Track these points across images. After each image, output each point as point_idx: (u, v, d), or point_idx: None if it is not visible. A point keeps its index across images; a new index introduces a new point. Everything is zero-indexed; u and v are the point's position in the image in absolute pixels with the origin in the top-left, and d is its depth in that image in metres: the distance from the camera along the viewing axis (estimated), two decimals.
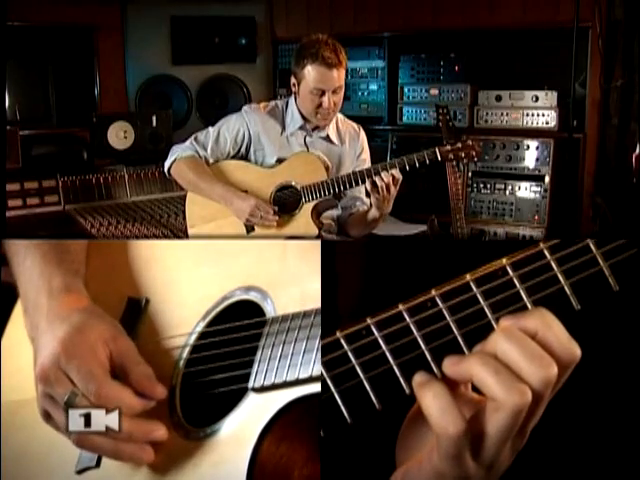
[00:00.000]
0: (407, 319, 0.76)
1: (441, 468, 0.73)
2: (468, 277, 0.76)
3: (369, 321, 0.76)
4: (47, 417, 1.15)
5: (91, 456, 1.17)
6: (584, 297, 0.75)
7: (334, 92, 2.40)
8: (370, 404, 0.75)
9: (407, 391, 0.75)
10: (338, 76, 2.39)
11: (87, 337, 1.12)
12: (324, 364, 0.75)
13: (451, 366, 0.74)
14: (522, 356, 0.71)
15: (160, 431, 1.10)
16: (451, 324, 0.76)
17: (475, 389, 0.76)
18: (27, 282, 1.23)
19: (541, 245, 0.76)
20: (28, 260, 1.24)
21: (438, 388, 0.72)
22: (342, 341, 0.76)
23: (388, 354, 0.75)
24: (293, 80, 2.46)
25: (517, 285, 0.76)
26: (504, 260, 0.76)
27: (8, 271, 1.28)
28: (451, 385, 0.74)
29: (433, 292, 0.76)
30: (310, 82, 2.38)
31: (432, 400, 0.72)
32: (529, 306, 0.75)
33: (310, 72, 2.38)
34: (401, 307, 0.76)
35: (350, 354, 0.75)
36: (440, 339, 0.75)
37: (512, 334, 0.73)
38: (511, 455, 0.76)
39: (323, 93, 2.38)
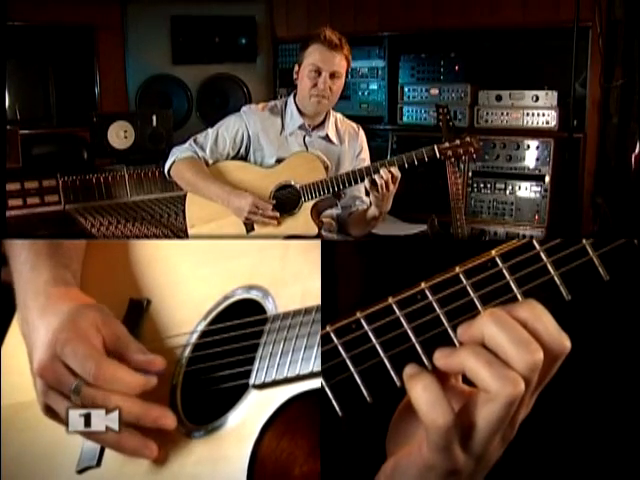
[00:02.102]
0: (397, 312, 0.76)
1: (430, 460, 0.73)
2: (457, 269, 0.76)
3: (359, 315, 0.76)
4: (50, 412, 1.14)
5: (92, 455, 1.17)
6: (574, 287, 0.75)
7: (332, 76, 2.40)
8: (361, 397, 0.75)
9: (398, 384, 0.75)
10: (338, 61, 2.40)
11: (79, 325, 1.12)
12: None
13: (442, 358, 0.74)
14: (508, 340, 0.71)
15: (168, 418, 1.09)
16: (441, 316, 0.76)
17: (465, 381, 0.76)
18: (19, 278, 1.23)
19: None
20: (22, 255, 1.24)
21: (427, 380, 0.73)
22: (332, 335, 0.76)
23: (378, 347, 0.76)
24: (296, 68, 2.47)
25: (507, 276, 0.76)
26: (493, 252, 0.76)
27: (8, 271, 1.28)
28: (441, 377, 0.74)
29: (422, 285, 0.76)
30: (310, 60, 2.40)
31: (421, 392, 0.72)
32: (519, 297, 0.75)
33: (311, 51, 2.41)
34: (391, 300, 0.76)
35: (340, 348, 0.76)
36: (430, 331, 0.76)
37: (500, 318, 0.73)
38: (501, 447, 0.76)
39: (320, 73, 2.39)
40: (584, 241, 0.75)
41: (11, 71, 3.71)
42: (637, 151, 3.15)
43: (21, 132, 3.45)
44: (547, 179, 3.35)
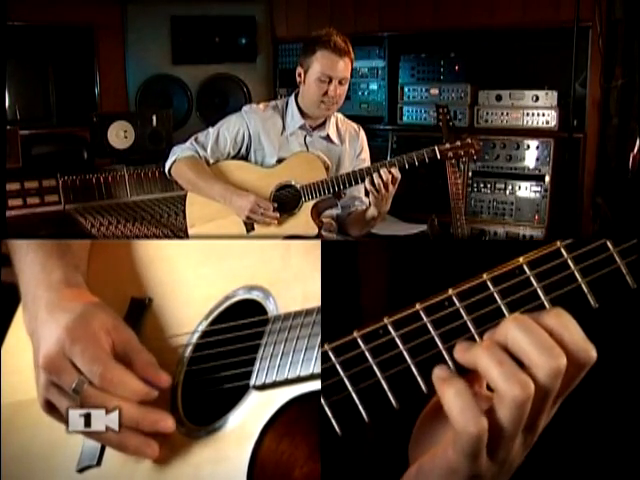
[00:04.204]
0: (424, 318, 0.76)
1: (456, 464, 0.73)
2: (485, 276, 0.76)
3: (386, 321, 0.76)
4: (49, 408, 1.14)
5: (92, 455, 1.18)
6: (601, 295, 0.75)
7: (340, 82, 2.41)
8: (388, 403, 0.75)
9: (425, 390, 0.75)
10: (346, 66, 2.41)
11: (90, 325, 1.13)
12: (341, 364, 0.75)
13: (460, 352, 0.75)
14: (532, 345, 0.71)
15: (167, 422, 1.10)
16: (468, 323, 0.76)
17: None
18: (28, 276, 1.23)
19: (558, 244, 0.76)
20: (30, 255, 1.24)
21: (460, 385, 0.72)
22: (359, 341, 0.76)
23: (405, 353, 0.75)
24: (299, 70, 2.46)
25: (534, 284, 0.76)
26: (521, 259, 0.76)
27: (8, 271, 1.28)
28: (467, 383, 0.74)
29: (450, 291, 0.76)
30: (319, 68, 2.39)
31: (454, 398, 0.72)
32: (546, 304, 0.75)
33: (319, 58, 2.39)
34: (418, 306, 0.76)
35: (367, 354, 0.75)
36: (457, 338, 0.75)
37: (523, 323, 0.72)
38: (523, 451, 0.76)
39: (330, 81, 2.39)
40: (612, 249, 0.75)
41: (11, 71, 3.71)
42: (637, 151, 3.15)
43: (21, 132, 3.45)
44: (547, 179, 3.35)
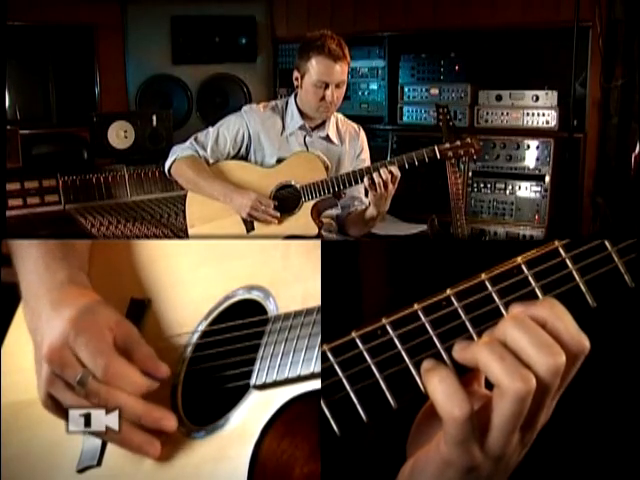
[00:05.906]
0: (422, 318, 0.76)
1: (448, 456, 0.73)
2: (483, 276, 0.76)
3: (384, 321, 0.76)
4: (51, 402, 1.14)
5: (92, 455, 1.18)
6: (600, 294, 0.75)
7: (337, 86, 2.41)
8: (386, 403, 0.75)
9: (423, 390, 0.75)
10: (342, 70, 2.41)
11: (95, 319, 1.13)
12: (340, 364, 0.75)
13: (460, 351, 0.75)
14: (530, 344, 0.71)
15: (170, 421, 1.10)
16: (466, 323, 0.76)
17: (488, 386, 0.76)
18: (31, 275, 1.23)
19: (556, 243, 0.76)
20: (34, 255, 1.25)
21: (444, 372, 0.73)
22: (357, 341, 0.76)
23: (404, 353, 0.76)
24: (296, 74, 2.46)
25: (532, 283, 0.76)
26: (519, 258, 0.76)
27: (8, 271, 1.29)
28: (464, 382, 0.74)
29: (448, 291, 0.76)
30: (314, 74, 2.39)
31: (437, 384, 0.72)
32: None
33: (315, 64, 2.39)
34: (416, 306, 0.76)
35: (366, 354, 0.75)
36: (455, 338, 0.76)
37: (522, 322, 0.73)
38: (521, 449, 0.76)
39: (327, 86, 2.39)
40: (610, 248, 0.75)
41: (11, 71, 3.71)
42: (637, 151, 3.15)
43: (21, 132, 3.44)
44: (547, 179, 3.35)
